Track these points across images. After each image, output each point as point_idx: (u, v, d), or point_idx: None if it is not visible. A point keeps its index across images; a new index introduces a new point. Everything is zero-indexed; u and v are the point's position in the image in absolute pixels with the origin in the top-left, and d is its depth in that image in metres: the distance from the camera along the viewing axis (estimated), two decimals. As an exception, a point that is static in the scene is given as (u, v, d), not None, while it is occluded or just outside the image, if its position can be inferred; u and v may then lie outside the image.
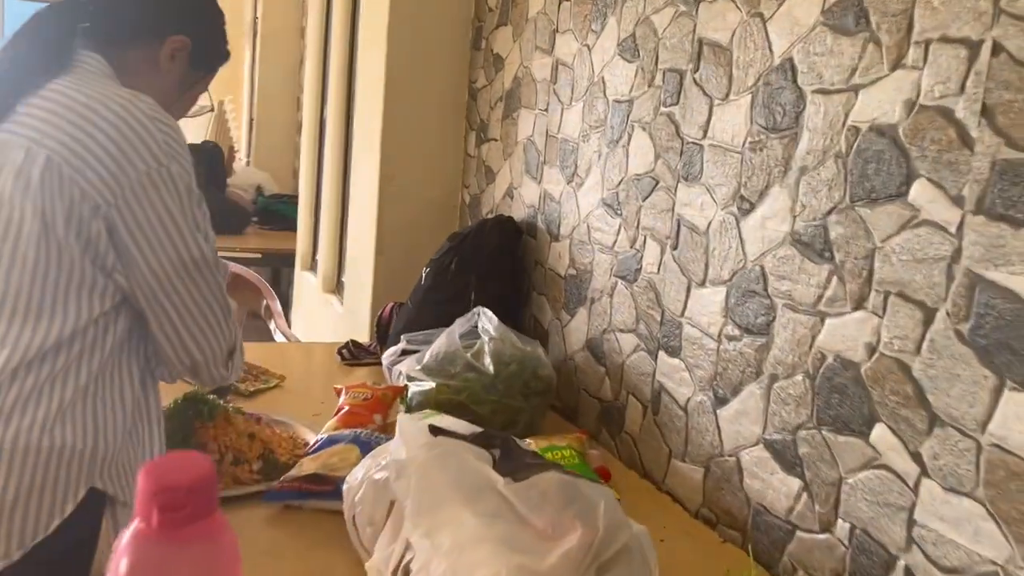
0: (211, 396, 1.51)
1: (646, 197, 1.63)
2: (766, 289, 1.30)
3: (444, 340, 1.76)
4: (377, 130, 2.56)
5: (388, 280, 2.55)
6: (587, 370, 1.85)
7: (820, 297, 1.20)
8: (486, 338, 1.76)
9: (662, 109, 1.59)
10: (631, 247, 1.68)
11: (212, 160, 4.90)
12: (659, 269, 1.58)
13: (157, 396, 1.17)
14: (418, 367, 1.72)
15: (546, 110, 2.07)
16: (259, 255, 4.32)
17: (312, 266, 3.81)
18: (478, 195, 2.49)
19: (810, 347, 1.21)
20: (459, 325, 1.83)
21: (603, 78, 1.81)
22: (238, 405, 1.78)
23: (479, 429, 1.20)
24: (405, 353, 1.86)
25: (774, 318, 1.28)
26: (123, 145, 1.04)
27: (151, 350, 1.13)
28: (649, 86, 1.63)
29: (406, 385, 1.73)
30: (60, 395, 1.01)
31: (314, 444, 1.48)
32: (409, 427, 1.12)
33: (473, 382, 1.67)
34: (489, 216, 2.35)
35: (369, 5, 2.76)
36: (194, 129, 7.11)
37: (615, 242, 1.74)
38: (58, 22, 1.12)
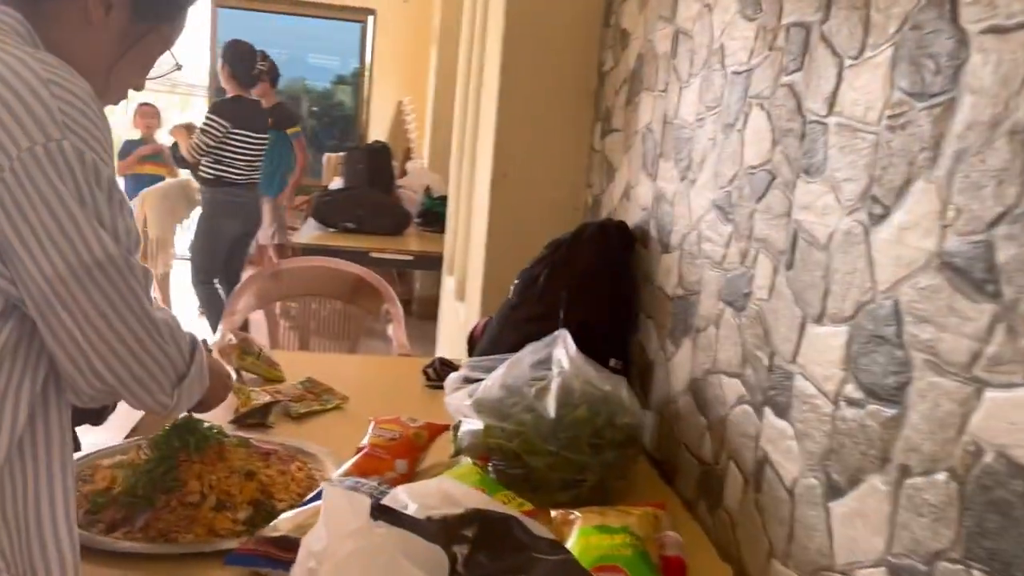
0: (209, 424, 1.28)
1: (760, 197, 1.22)
2: (900, 335, 0.86)
3: (506, 370, 1.44)
4: (491, 122, 2.27)
5: (498, 291, 2.25)
6: (688, 419, 1.45)
7: (978, 355, 0.76)
8: (556, 371, 1.41)
9: (783, 79, 1.17)
10: (741, 263, 1.27)
11: (379, 160, 4.86)
12: (770, 295, 1.17)
13: (64, 432, 0.94)
14: (468, 401, 1.41)
15: (664, 91, 1.69)
16: (411, 257, 4.19)
17: (453, 270, 3.60)
18: (600, 195, 2.14)
19: (959, 432, 0.77)
20: (531, 352, 1.49)
21: (722, 45, 1.41)
22: (279, 430, 1.57)
23: (458, 511, 0.88)
24: (467, 382, 1.55)
25: (909, 380, 0.85)
26: (4, 117, 0.81)
27: (53, 368, 0.90)
28: (770, 49, 1.22)
29: (457, 423, 1.43)
30: None
31: (312, 494, 1.21)
32: (338, 502, 0.81)
33: (529, 427, 1.33)
34: (609, 219, 1.99)
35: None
36: (374, 129, 7.24)
37: (724, 256, 1.34)
38: None
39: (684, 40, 1.60)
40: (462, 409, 1.42)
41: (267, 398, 1.62)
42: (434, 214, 4.85)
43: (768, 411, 1.15)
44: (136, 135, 5.71)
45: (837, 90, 1.02)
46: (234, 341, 1.83)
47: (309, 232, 4.34)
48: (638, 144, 1.84)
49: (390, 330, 2.72)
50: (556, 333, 1.52)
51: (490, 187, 2.25)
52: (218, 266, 4.44)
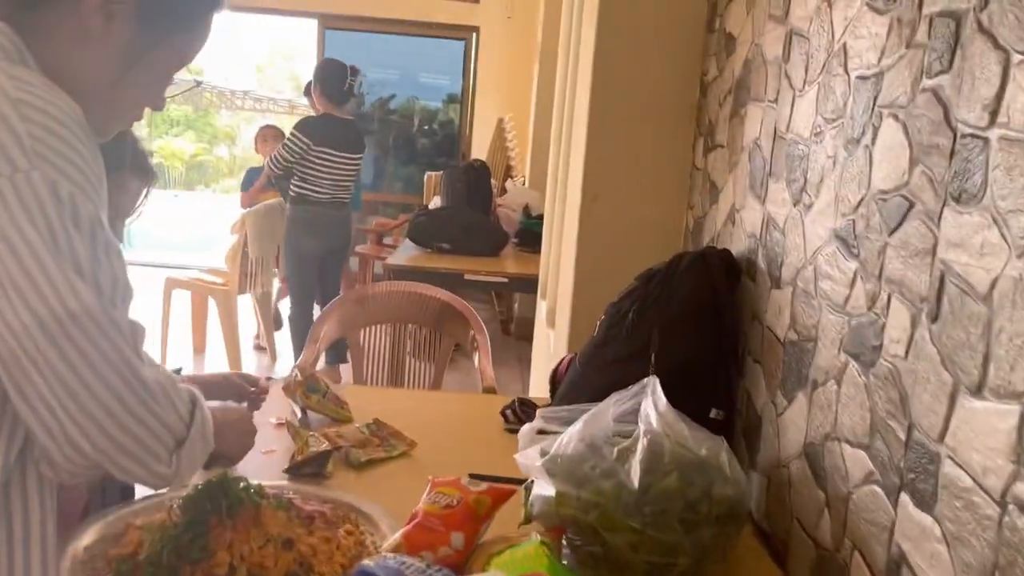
0: (246, 484, 1.14)
1: (894, 229, 0.99)
2: (1102, 428, 0.63)
3: (585, 424, 1.24)
4: (582, 140, 2.09)
5: (586, 324, 2.05)
6: (802, 490, 1.22)
7: None
8: (642, 428, 1.21)
9: (924, 82, 0.94)
10: (869, 308, 1.04)
11: (477, 179, 4.75)
12: (907, 351, 0.93)
13: (44, 506, 0.81)
14: (540, 462, 1.22)
15: (775, 101, 1.46)
16: (506, 279, 4.04)
17: (545, 295, 3.42)
18: (702, 218, 1.92)
19: None
20: (615, 402, 1.30)
21: (844, 45, 1.18)
22: (337, 480, 1.42)
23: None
24: (542, 435, 1.37)
25: (1118, 493, 0.61)
26: None
27: (27, 436, 0.77)
28: (907, 46, 0.99)
29: (529, 483, 1.25)
30: None
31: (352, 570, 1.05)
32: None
33: (609, 497, 1.13)
34: (713, 246, 1.77)
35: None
36: (477, 147, 7.15)
37: (848, 298, 1.10)
38: None
39: (798, 42, 1.37)
40: (533, 469, 1.23)
41: (325, 445, 1.48)
42: (532, 234, 4.69)
43: (906, 499, 0.91)
44: (259, 162, 5.35)
45: (1001, 95, 0.79)
46: (299, 377, 1.71)
47: (405, 253, 4.26)
48: (744, 162, 1.61)
49: (476, 359, 2.57)
50: (645, 380, 1.32)
51: (579, 210, 2.07)
52: (308, 287, 4.41)
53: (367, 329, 2.69)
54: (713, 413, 1.49)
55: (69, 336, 0.72)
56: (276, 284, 4.96)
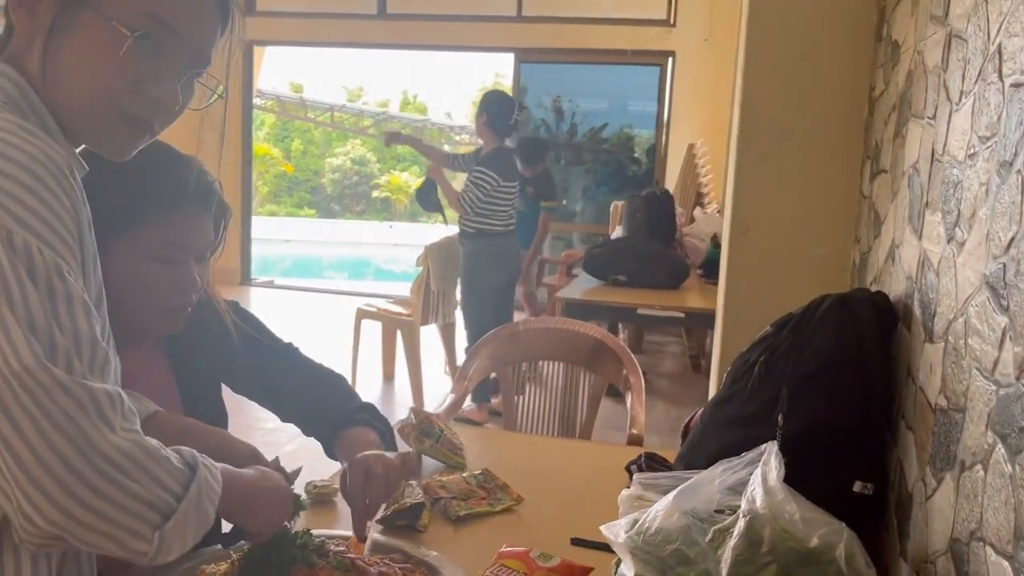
0: (308, 540, 1.09)
1: (1046, 278, 0.76)
2: None
3: (678, 498, 1.08)
4: (732, 163, 1.90)
5: (734, 369, 1.86)
6: (946, 596, 0.98)
7: None
8: (744, 505, 1.03)
9: (1081, 86, 0.72)
10: (1018, 377, 0.81)
11: (659, 207, 4.57)
12: (1057, 441, 0.71)
13: (40, 570, 0.79)
14: (623, 537, 1.07)
15: (933, 117, 1.23)
16: (682, 314, 3.82)
17: (721, 332, 3.18)
18: (867, 253, 1.67)
19: None
20: (724, 470, 1.13)
21: (999, 46, 0.95)
22: (431, 534, 1.35)
23: None
24: (641, 503, 1.21)
25: None
26: None
27: None
28: (1064, 41, 0.77)
29: (618, 560, 1.11)
30: None
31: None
32: None
33: (694, 586, 0.97)
34: (872, 287, 1.53)
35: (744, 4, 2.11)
36: (670, 174, 6.92)
37: (996, 362, 0.87)
38: None
39: (957, 45, 1.14)
40: (617, 545, 1.09)
41: (421, 496, 1.41)
42: (717, 265, 4.44)
43: (1051, 640, 0.69)
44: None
45: None
46: (414, 420, 1.66)
47: (580, 286, 4.16)
48: (904, 189, 1.37)
49: (628, 402, 2.41)
50: (763, 447, 1.13)
51: (728, 245, 1.88)
52: (487, 319, 4.42)
53: (519, 366, 2.63)
54: (858, 487, 1.25)
55: (16, 397, 0.68)
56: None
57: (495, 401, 4.57)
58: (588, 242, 7.86)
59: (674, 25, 6.90)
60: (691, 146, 5.95)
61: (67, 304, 0.71)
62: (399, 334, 4.65)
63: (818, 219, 1.83)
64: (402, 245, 14.36)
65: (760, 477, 1.07)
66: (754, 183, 1.86)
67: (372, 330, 4.81)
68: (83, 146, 0.87)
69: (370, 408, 1.40)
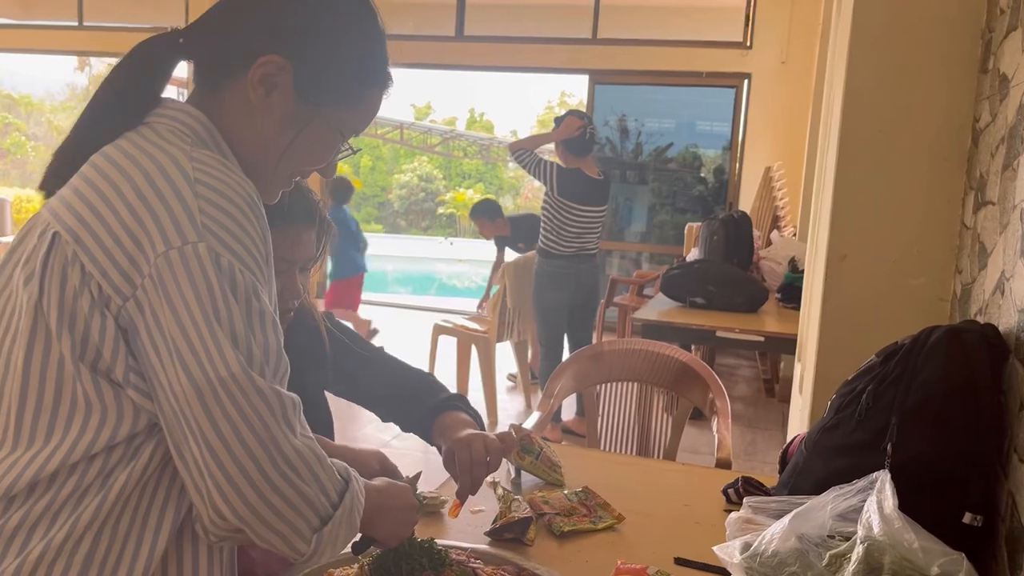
0: (434, 548, 1.15)
1: None
2: None
3: (795, 521, 1.11)
4: (828, 192, 1.91)
5: (828, 398, 1.86)
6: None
7: None
8: (861, 532, 1.05)
9: None
10: None
11: (737, 230, 4.56)
12: None
13: (214, 561, 0.86)
14: (738, 558, 1.10)
15: (1051, 153, 1.24)
16: (762, 339, 3.80)
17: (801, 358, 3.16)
18: (970, 285, 1.66)
19: None
20: (836, 496, 1.15)
21: None
22: (537, 548, 1.39)
23: None
24: (750, 526, 1.24)
25: None
26: (145, 218, 0.77)
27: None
28: None
29: (728, 580, 1.13)
30: (28, 552, 0.77)
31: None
32: None
33: (811, 611, 0.99)
34: (977, 319, 1.53)
35: (845, 23, 2.12)
36: (745, 196, 6.88)
37: None
38: (144, 60, 0.91)
39: (1079, 82, 1.15)
40: (732, 566, 1.12)
41: (528, 511, 1.46)
42: (796, 289, 4.40)
43: None
44: None
45: None
46: (515, 437, 1.71)
47: (656, 307, 4.18)
48: (1015, 222, 1.38)
49: (714, 426, 2.43)
50: (873, 475, 1.15)
51: (824, 271, 1.89)
52: (557, 339, 4.46)
53: (603, 386, 2.66)
54: (968, 518, 1.26)
55: (218, 402, 0.76)
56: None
57: (568, 420, 4.60)
58: (654, 262, 7.86)
59: (750, 47, 6.88)
60: (768, 169, 5.92)
61: (260, 319, 0.79)
62: (474, 350, 4.73)
63: (916, 249, 1.84)
64: (465, 261, 14.53)
65: (875, 505, 1.09)
66: (852, 211, 1.87)
67: (446, 345, 4.91)
68: None
69: (460, 396, 1.53)
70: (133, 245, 0.76)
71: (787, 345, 3.87)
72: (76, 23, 8.29)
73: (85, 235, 0.77)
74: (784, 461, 1.63)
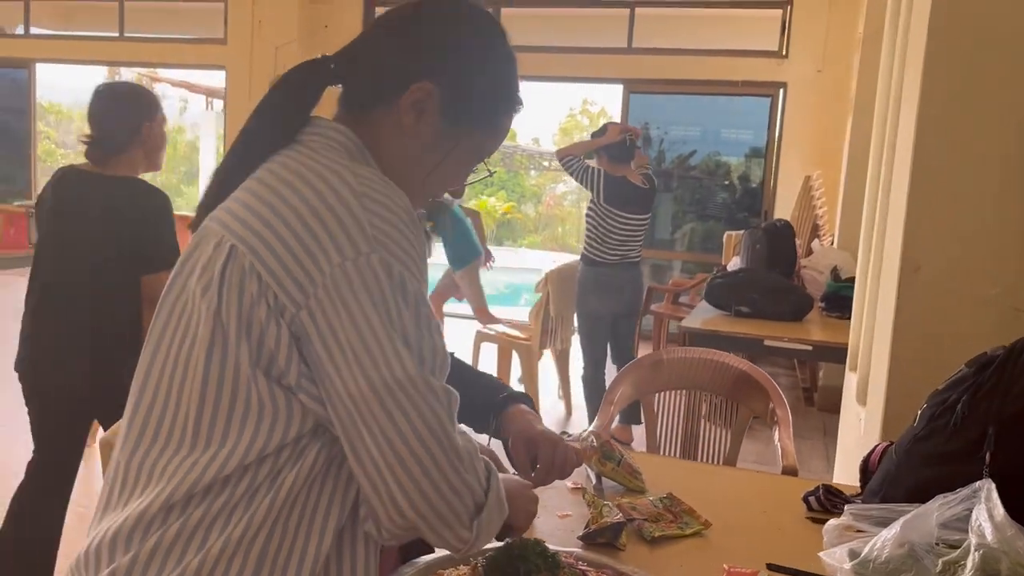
0: (546, 550, 1.18)
1: None
2: None
3: (904, 528, 1.13)
4: (901, 202, 1.93)
5: (904, 410, 1.88)
6: None
7: None
8: (974, 540, 1.07)
9: None
10: None
11: (780, 240, 4.57)
12: None
13: (370, 561, 0.90)
14: (848, 564, 1.13)
15: None
16: (810, 348, 3.81)
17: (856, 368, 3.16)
18: (1051, 297, 1.68)
19: None
20: (941, 505, 1.17)
21: None
22: (629, 553, 1.42)
23: None
24: (850, 532, 1.26)
25: None
26: (317, 231, 0.81)
27: (360, 497, 0.87)
28: None
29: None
30: (209, 548, 0.81)
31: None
32: None
33: (931, 615, 1.01)
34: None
35: (917, 31, 2.14)
36: (780, 205, 6.88)
37: None
38: (298, 84, 0.96)
39: None
40: (841, 572, 1.14)
41: (619, 516, 1.48)
42: (841, 298, 4.40)
43: None
44: None
45: None
46: (595, 443, 1.74)
47: (701, 315, 4.19)
48: (1108, 235, 1.39)
49: (776, 435, 2.44)
50: (977, 484, 1.17)
51: (898, 282, 1.90)
52: (600, 347, 4.48)
53: (661, 394, 2.68)
54: (1066, 527, 1.28)
55: (397, 402, 0.80)
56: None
57: (612, 428, 4.62)
58: (684, 271, 7.86)
59: (786, 56, 6.89)
60: (808, 178, 5.92)
61: (427, 323, 0.83)
62: (515, 356, 4.76)
63: (991, 259, 1.85)
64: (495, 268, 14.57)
65: (985, 513, 1.11)
66: (926, 222, 1.88)
67: (487, 352, 4.95)
68: None
69: (525, 394, 1.55)
70: (307, 257, 0.81)
71: (834, 354, 3.87)
72: (117, 34, 8.44)
73: (261, 248, 0.82)
74: (865, 470, 1.64)
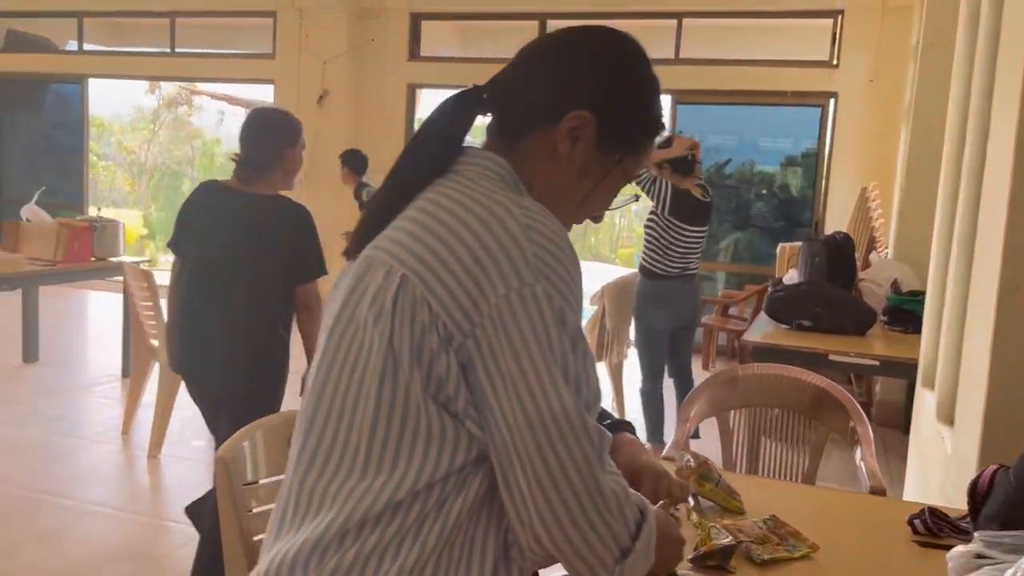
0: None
1: None
2: None
3: (1043, 558, 1.11)
4: (999, 219, 1.90)
5: (1008, 429, 1.84)
6: None
7: None
8: (1124, 572, 1.05)
9: None
10: None
11: (840, 253, 4.52)
12: None
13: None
14: (989, 595, 1.10)
15: None
16: (876, 362, 3.76)
17: (933, 383, 3.11)
18: None
19: None
20: (1078, 534, 1.14)
21: None
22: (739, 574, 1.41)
23: None
24: (980, 560, 1.24)
25: None
26: (484, 261, 0.82)
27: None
28: None
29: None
30: (387, 574, 0.82)
31: None
32: None
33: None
34: None
35: (1013, 37, 2.10)
36: (831, 216, 6.80)
37: None
38: (452, 116, 0.97)
39: None
40: (979, 602, 1.12)
41: (727, 538, 1.47)
42: (904, 312, 4.34)
43: None
44: None
45: None
46: (692, 464, 1.73)
47: (761, 329, 4.15)
48: None
49: (857, 455, 2.40)
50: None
51: (995, 303, 1.87)
52: (659, 360, 4.45)
53: (737, 412, 2.66)
54: None
55: (548, 435, 0.81)
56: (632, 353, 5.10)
57: (650, 445, 4.59)
58: (730, 283, 7.79)
59: (837, 66, 6.83)
60: (864, 189, 5.84)
61: (584, 359, 0.84)
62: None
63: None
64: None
65: None
66: (1026, 239, 1.85)
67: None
68: None
69: (628, 423, 1.52)
70: (474, 287, 0.82)
71: (901, 369, 3.81)
72: (168, 49, 8.59)
73: (431, 278, 0.83)
74: (974, 493, 1.61)
